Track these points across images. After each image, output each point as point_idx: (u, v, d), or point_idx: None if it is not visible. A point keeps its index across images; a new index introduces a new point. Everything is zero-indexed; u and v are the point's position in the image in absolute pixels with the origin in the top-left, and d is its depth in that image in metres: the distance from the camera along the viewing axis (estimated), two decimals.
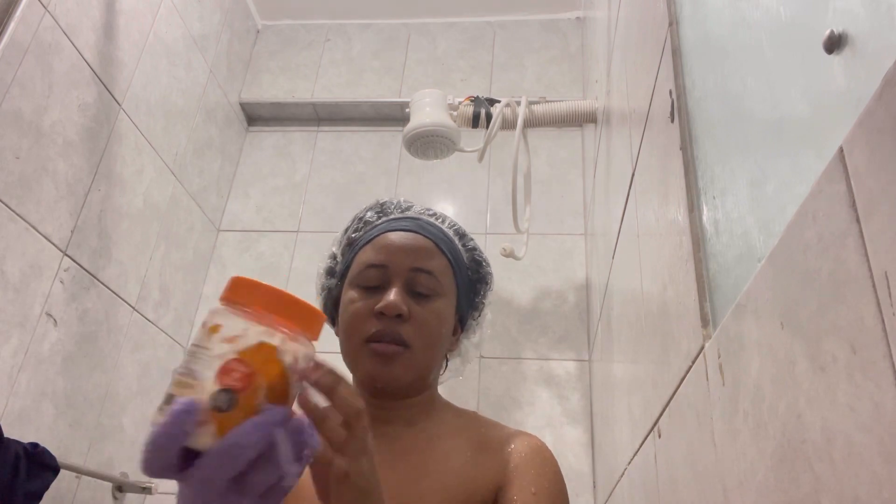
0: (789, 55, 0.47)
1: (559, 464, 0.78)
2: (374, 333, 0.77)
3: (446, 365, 0.90)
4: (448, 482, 0.73)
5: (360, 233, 0.89)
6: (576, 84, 2.27)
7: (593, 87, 1.84)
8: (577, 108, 1.77)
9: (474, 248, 0.92)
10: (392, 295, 0.77)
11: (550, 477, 0.75)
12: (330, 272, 0.91)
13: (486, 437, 0.79)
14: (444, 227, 0.90)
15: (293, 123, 2.33)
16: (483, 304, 0.92)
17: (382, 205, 0.91)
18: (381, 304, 0.77)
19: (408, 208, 0.91)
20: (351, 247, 0.89)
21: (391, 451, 0.76)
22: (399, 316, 0.77)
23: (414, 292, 0.80)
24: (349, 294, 0.82)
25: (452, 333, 0.86)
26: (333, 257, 0.92)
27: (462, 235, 0.92)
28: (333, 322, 0.87)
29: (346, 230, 0.92)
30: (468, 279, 0.89)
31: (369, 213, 0.91)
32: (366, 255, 0.83)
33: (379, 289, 0.80)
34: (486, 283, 0.92)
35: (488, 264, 0.93)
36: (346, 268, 0.86)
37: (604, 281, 1.43)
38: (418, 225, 0.86)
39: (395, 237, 0.83)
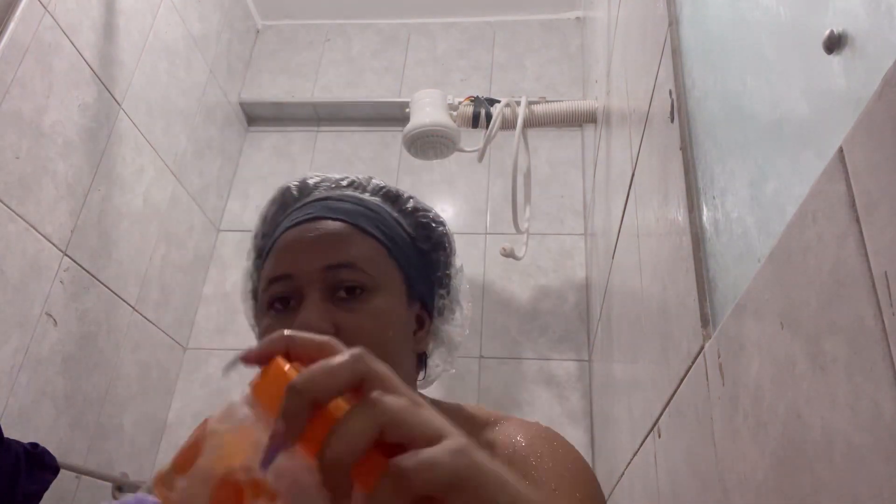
0: (789, 55, 0.47)
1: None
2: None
3: (425, 363, 0.72)
4: None
5: (266, 238, 0.70)
6: (576, 84, 2.27)
7: (593, 87, 1.84)
8: (577, 108, 1.77)
9: (415, 209, 0.71)
10: (304, 311, 0.59)
11: (571, 467, 0.60)
12: (254, 294, 0.72)
13: (478, 439, 0.63)
14: (367, 196, 0.70)
15: (293, 123, 2.32)
16: (449, 275, 0.72)
17: (283, 192, 0.71)
18: (294, 327, 0.55)
19: (315, 187, 0.71)
20: (259, 257, 0.71)
21: None
22: None
23: (336, 298, 0.61)
24: (264, 322, 0.64)
25: (420, 326, 0.69)
26: (249, 273, 0.73)
27: (395, 198, 0.71)
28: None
29: (255, 236, 0.73)
30: (416, 251, 0.69)
31: (272, 209, 0.71)
32: (268, 269, 0.64)
33: (293, 304, 0.62)
34: (445, 249, 0.71)
35: (441, 223, 0.72)
36: (258, 280, 0.68)
37: (604, 281, 1.43)
38: (325, 207, 0.66)
39: (298, 234, 0.64)
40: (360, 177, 0.72)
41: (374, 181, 0.72)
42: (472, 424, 0.66)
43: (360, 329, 0.59)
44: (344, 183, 0.71)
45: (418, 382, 0.71)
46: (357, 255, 0.62)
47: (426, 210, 0.72)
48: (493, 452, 0.61)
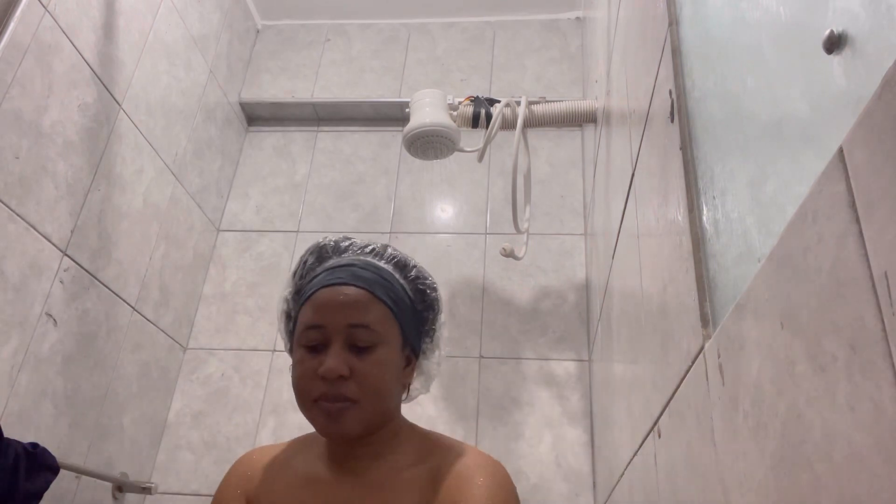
0: (789, 55, 0.47)
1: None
2: (320, 395, 0.82)
3: (408, 391, 0.94)
4: None
5: (304, 280, 0.92)
6: (576, 84, 2.27)
7: (593, 87, 1.84)
8: (576, 108, 1.77)
9: (416, 278, 0.93)
10: (330, 359, 0.81)
11: (503, 492, 0.81)
12: (288, 316, 0.94)
13: (443, 466, 0.82)
14: (382, 263, 0.91)
15: (293, 123, 2.33)
16: (434, 329, 0.94)
17: (321, 248, 0.94)
18: (322, 369, 0.81)
19: (345, 249, 0.93)
20: (299, 295, 0.92)
21: (361, 485, 0.82)
22: (341, 377, 0.82)
23: (354, 347, 0.83)
24: (296, 354, 0.87)
25: (408, 363, 0.90)
26: (286, 301, 0.94)
27: (403, 267, 0.93)
28: None
29: (294, 274, 0.95)
30: (413, 312, 0.91)
31: (310, 258, 0.94)
32: (305, 316, 0.86)
33: (320, 347, 0.84)
34: (433, 309, 0.94)
35: (434, 289, 0.94)
36: (297, 317, 0.90)
37: (604, 281, 1.43)
38: (352, 275, 0.87)
39: (330, 295, 0.86)
40: (379, 246, 0.94)
41: (389, 250, 0.94)
42: (441, 448, 0.86)
43: (367, 373, 0.82)
44: (367, 249, 0.93)
45: (403, 398, 0.92)
46: (371, 319, 0.85)
47: (425, 278, 0.94)
48: (449, 476, 0.80)
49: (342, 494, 0.83)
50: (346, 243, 0.94)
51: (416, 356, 0.92)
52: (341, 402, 0.81)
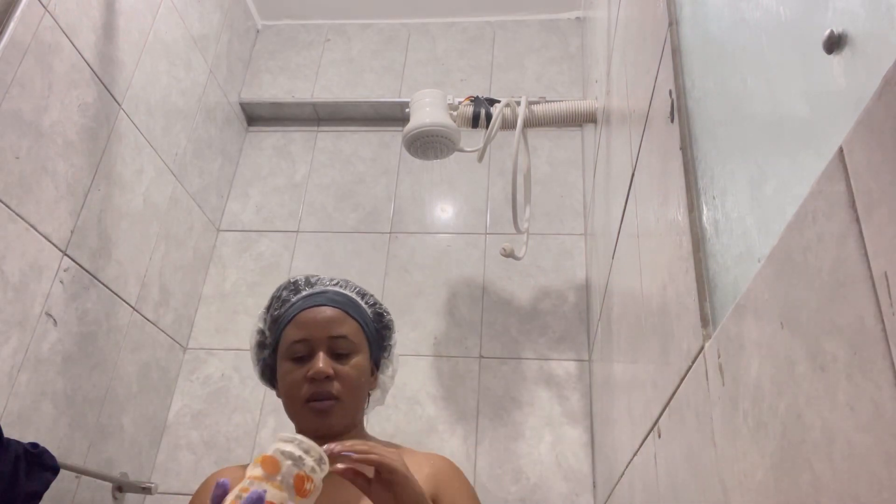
0: (789, 55, 0.47)
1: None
2: (310, 395, 0.97)
3: (368, 400, 1.10)
4: None
5: (280, 311, 1.07)
6: (576, 84, 2.27)
7: (593, 87, 1.84)
8: (576, 108, 1.77)
9: (374, 304, 1.12)
10: (319, 362, 0.98)
11: (467, 486, 0.98)
12: (261, 346, 1.11)
13: (411, 462, 0.93)
14: (348, 292, 1.10)
15: (293, 123, 2.33)
16: (390, 345, 1.13)
17: (294, 283, 1.10)
18: (311, 371, 0.97)
19: (315, 282, 1.10)
20: (276, 323, 1.07)
21: (333, 484, 0.86)
22: (327, 378, 0.98)
23: (335, 354, 1.00)
24: (284, 366, 1.02)
25: (371, 374, 1.08)
26: (261, 332, 1.10)
27: (363, 295, 1.12)
28: (273, 385, 1.11)
29: (269, 308, 1.10)
30: (375, 330, 1.10)
31: (284, 293, 1.10)
32: (291, 334, 1.03)
33: (306, 358, 1.00)
34: (390, 329, 1.13)
35: (388, 313, 1.14)
36: (276, 342, 1.06)
37: (604, 281, 1.43)
38: (328, 298, 1.06)
39: (312, 314, 1.03)
40: (341, 280, 1.13)
41: (350, 282, 1.13)
42: (403, 452, 1.01)
43: (348, 375, 1.00)
44: (333, 282, 1.12)
45: (365, 407, 1.09)
46: (347, 331, 1.03)
47: (380, 304, 1.14)
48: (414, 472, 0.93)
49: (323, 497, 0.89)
50: (315, 278, 1.12)
51: (377, 367, 1.11)
52: (329, 401, 0.97)
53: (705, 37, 0.70)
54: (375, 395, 1.13)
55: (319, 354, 0.99)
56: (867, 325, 0.32)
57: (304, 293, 1.08)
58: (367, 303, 1.11)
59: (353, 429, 1.02)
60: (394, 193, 2.16)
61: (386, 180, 2.19)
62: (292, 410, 1.01)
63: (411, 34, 2.44)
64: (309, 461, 0.73)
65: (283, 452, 0.73)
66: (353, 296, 1.10)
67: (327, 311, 1.04)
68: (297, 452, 0.73)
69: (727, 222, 0.58)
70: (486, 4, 2.40)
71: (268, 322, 1.10)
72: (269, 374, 1.11)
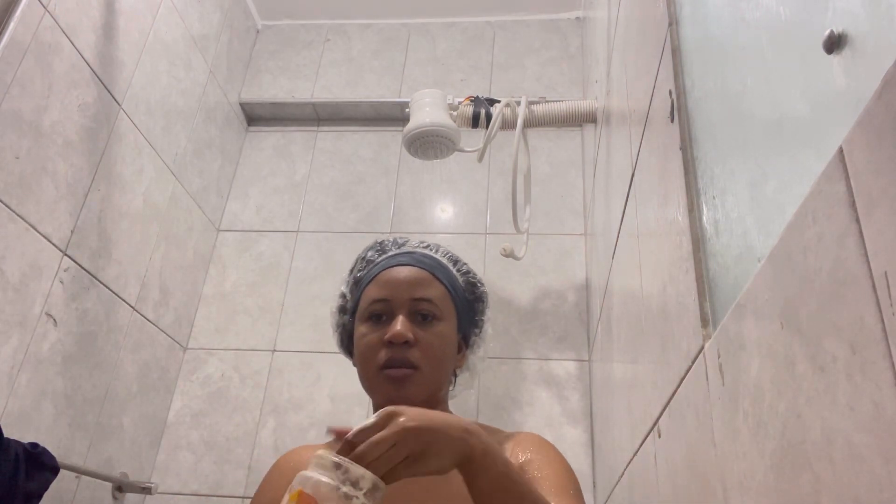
0: (789, 55, 0.47)
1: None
2: (386, 361, 0.86)
3: (455, 381, 0.98)
4: (465, 490, 0.75)
5: (364, 272, 0.98)
6: (576, 84, 2.27)
7: (593, 87, 1.84)
8: (576, 108, 1.77)
9: (468, 272, 1.01)
10: (398, 325, 0.87)
11: (553, 458, 0.82)
12: (342, 310, 1.01)
13: (503, 441, 0.86)
14: (438, 256, 0.99)
15: (293, 123, 2.33)
16: (482, 320, 1.01)
17: (381, 244, 1.01)
18: (389, 334, 0.87)
19: (404, 243, 1.01)
20: (357, 285, 0.98)
21: None
22: (406, 343, 0.86)
23: (417, 319, 0.89)
24: (360, 329, 0.92)
25: (458, 352, 0.95)
26: (343, 296, 1.01)
27: (455, 262, 1.01)
28: (350, 353, 0.98)
29: (352, 270, 1.01)
30: (465, 300, 0.98)
31: (370, 253, 1.00)
32: (371, 292, 0.93)
33: (385, 320, 0.90)
34: (483, 302, 1.01)
35: (482, 284, 1.02)
36: (356, 305, 0.96)
37: (604, 281, 1.43)
38: (414, 259, 0.95)
39: (395, 272, 0.93)
40: (433, 243, 1.02)
41: (442, 247, 1.02)
42: (487, 431, 0.85)
43: (430, 343, 0.88)
44: (423, 245, 1.01)
45: (450, 391, 0.97)
46: (433, 294, 0.91)
47: (475, 273, 1.01)
48: (509, 444, 0.85)
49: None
50: (403, 239, 1.02)
51: (467, 345, 0.98)
52: (406, 369, 0.85)
53: (705, 37, 0.70)
54: (463, 377, 1.00)
55: (399, 317, 0.88)
56: (867, 325, 0.32)
57: (390, 253, 0.98)
58: (459, 270, 1.00)
59: (435, 407, 0.86)
60: (394, 193, 2.16)
61: (386, 180, 2.19)
62: (366, 378, 0.90)
63: (411, 34, 2.44)
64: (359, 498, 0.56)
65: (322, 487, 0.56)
66: (444, 260, 0.99)
67: (412, 271, 0.93)
68: (343, 489, 0.56)
69: (727, 222, 0.58)
70: (486, 4, 2.40)
71: (350, 284, 1.01)
72: (347, 340, 1.00)
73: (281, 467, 0.91)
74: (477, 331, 1.00)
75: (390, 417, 0.61)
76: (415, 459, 0.60)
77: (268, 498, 0.86)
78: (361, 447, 0.59)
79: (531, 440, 0.86)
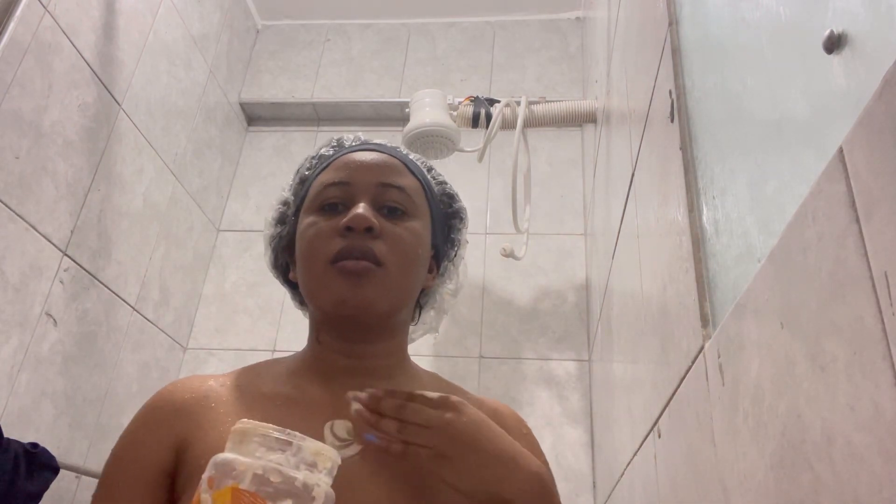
0: (789, 55, 0.47)
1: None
2: (340, 251, 0.65)
3: (419, 314, 0.79)
4: None
5: (316, 170, 0.75)
6: (576, 84, 2.27)
7: (593, 87, 1.84)
8: (576, 108, 1.77)
9: (444, 182, 0.81)
10: (359, 208, 0.66)
11: (537, 446, 0.73)
12: (281, 219, 0.78)
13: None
14: (411, 156, 0.80)
15: (293, 123, 2.33)
16: (458, 241, 0.81)
17: (339, 139, 0.79)
18: (347, 218, 0.65)
19: (368, 140, 0.80)
20: (304, 183, 0.76)
21: None
22: (369, 230, 0.65)
23: (384, 209, 0.69)
24: (306, 220, 0.70)
25: (429, 271, 0.75)
26: (284, 202, 0.78)
27: (430, 169, 0.81)
28: (287, 276, 0.75)
29: (299, 170, 0.79)
30: (441, 210, 0.78)
31: (324, 149, 0.78)
32: (324, 177, 0.72)
33: (342, 210, 0.68)
34: (461, 218, 0.82)
35: (460, 199, 0.82)
36: (301, 202, 0.74)
37: (604, 281, 1.43)
38: (381, 146, 0.76)
39: (358, 155, 0.73)
40: (404, 149, 0.82)
41: (412, 154, 0.81)
42: (449, 386, 0.77)
43: (399, 239, 0.68)
44: (393, 145, 0.81)
45: (411, 328, 0.78)
46: (406, 184, 0.72)
47: (451, 186, 0.82)
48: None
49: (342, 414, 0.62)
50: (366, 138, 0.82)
51: (438, 269, 0.78)
52: (366, 262, 0.64)
53: (705, 37, 0.70)
54: (429, 316, 0.81)
55: (362, 202, 0.68)
56: (867, 325, 0.32)
57: (350, 146, 0.77)
58: (435, 178, 0.80)
59: (395, 333, 0.71)
60: None
61: None
62: (310, 277, 0.67)
63: (411, 34, 2.44)
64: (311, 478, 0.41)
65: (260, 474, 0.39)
66: (417, 162, 0.79)
67: (379, 156, 0.73)
68: (300, 476, 0.40)
69: (727, 222, 0.58)
70: (486, 4, 2.40)
71: (293, 186, 0.79)
72: (283, 254, 0.76)
73: (161, 409, 0.69)
74: (452, 253, 0.80)
75: (450, 406, 0.55)
76: (441, 458, 0.54)
77: (134, 449, 0.67)
78: (412, 405, 0.54)
79: (516, 424, 0.73)
